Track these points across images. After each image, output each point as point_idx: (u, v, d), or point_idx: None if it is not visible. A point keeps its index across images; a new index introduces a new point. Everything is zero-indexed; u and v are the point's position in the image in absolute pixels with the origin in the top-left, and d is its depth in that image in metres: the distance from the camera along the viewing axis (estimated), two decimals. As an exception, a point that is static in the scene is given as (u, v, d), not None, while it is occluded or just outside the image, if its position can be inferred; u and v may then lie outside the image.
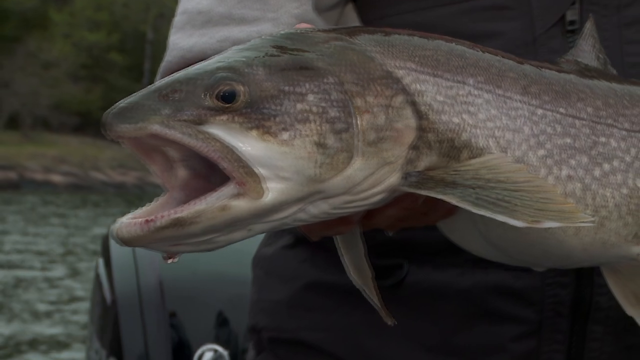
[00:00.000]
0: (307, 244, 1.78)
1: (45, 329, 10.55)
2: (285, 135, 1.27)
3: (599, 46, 1.52)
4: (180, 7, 1.71)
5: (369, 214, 1.40)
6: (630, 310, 1.49)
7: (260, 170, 1.26)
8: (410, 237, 1.68)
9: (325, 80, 1.31)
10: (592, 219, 1.32)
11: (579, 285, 1.68)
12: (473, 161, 1.35)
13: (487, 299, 1.69)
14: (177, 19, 1.69)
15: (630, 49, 1.66)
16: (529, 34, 1.65)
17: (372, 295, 1.48)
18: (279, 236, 1.87)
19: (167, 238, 1.26)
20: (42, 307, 11.79)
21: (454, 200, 1.30)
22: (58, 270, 14.74)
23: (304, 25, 1.44)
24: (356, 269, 1.48)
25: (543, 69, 1.45)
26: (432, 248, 1.68)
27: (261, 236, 1.91)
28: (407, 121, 1.34)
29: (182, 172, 1.31)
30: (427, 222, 1.44)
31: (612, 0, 1.65)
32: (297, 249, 1.83)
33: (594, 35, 1.52)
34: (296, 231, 1.80)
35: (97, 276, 3.82)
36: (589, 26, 1.53)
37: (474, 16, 1.66)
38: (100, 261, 3.83)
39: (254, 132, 1.27)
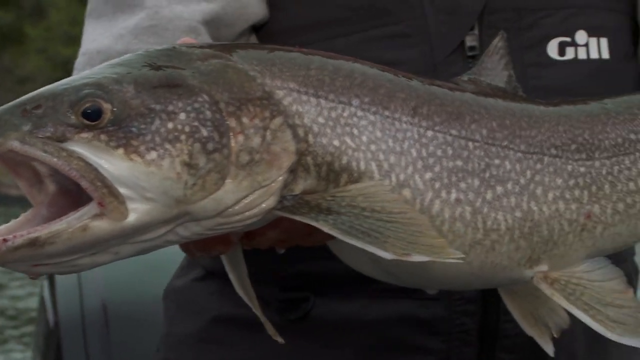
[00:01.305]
0: (217, 276, 1.76)
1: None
2: (152, 155, 1.24)
3: (506, 63, 1.48)
4: (82, 49, 1.69)
5: (249, 235, 1.37)
6: (529, 331, 1.47)
7: (123, 191, 1.23)
8: (316, 269, 1.67)
9: (198, 99, 1.27)
10: (462, 255, 1.30)
11: (485, 313, 1.66)
12: (351, 187, 1.32)
13: (394, 329, 1.67)
14: (78, 61, 1.67)
15: (532, 72, 1.64)
16: (429, 61, 1.63)
17: (256, 312, 1.46)
18: (190, 268, 1.85)
19: (24, 258, 1.22)
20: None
21: (325, 228, 1.27)
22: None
23: (186, 40, 1.40)
24: (241, 286, 1.45)
25: (437, 89, 1.41)
26: (339, 280, 1.66)
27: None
28: (285, 144, 1.31)
29: (51, 188, 1.27)
30: (313, 243, 1.41)
31: (512, 23, 1.62)
32: (207, 281, 1.80)
33: (502, 52, 1.48)
34: (207, 264, 1.78)
35: (42, 299, 3.77)
36: (496, 43, 1.49)
37: (377, 44, 1.63)
38: (45, 283, 3.77)
39: (120, 151, 1.23)
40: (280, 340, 1.46)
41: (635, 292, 1.79)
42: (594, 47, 1.66)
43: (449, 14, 1.62)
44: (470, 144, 1.39)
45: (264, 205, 1.30)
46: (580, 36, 1.66)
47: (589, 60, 1.65)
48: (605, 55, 1.66)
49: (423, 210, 1.35)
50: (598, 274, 1.43)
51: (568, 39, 1.65)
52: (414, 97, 1.38)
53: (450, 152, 1.38)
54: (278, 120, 1.31)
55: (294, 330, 1.66)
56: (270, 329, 1.46)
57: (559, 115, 1.43)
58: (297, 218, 1.30)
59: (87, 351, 3.30)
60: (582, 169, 1.42)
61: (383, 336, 1.67)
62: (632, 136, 1.43)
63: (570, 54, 1.65)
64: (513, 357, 1.67)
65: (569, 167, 1.41)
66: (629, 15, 1.71)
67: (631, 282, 1.76)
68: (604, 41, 1.66)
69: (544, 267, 1.42)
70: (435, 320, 1.66)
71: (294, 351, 1.65)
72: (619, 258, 1.73)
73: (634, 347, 1.73)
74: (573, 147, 1.42)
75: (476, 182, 1.38)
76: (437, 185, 1.36)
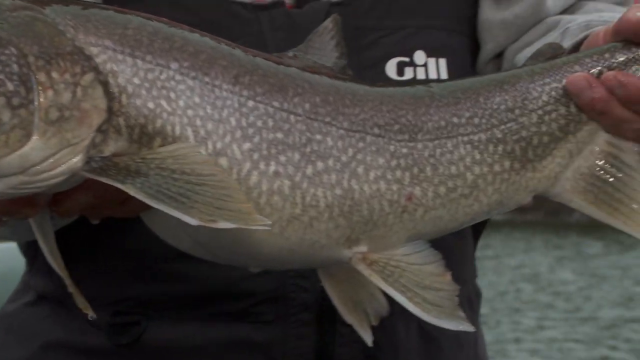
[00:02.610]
0: (48, 301, 1.71)
1: None
2: None
3: (337, 45, 1.46)
4: None
5: (58, 199, 1.33)
6: (348, 317, 1.44)
7: None
8: (149, 291, 1.63)
9: (5, 52, 1.23)
10: (268, 222, 1.27)
11: (320, 335, 1.63)
12: (162, 149, 1.28)
13: (229, 353, 1.63)
14: None
15: None
16: None
17: (66, 281, 1.40)
18: (23, 293, 1.79)
19: None
20: None
21: (131, 191, 1.24)
22: None
23: None
24: (51, 256, 1.40)
25: (260, 60, 1.39)
26: (172, 303, 1.63)
27: None
28: (96, 102, 1.27)
29: None
30: (127, 213, 1.37)
31: (352, 42, 1.61)
32: (39, 306, 1.74)
33: (333, 34, 1.46)
34: (39, 287, 1.73)
35: None
36: (326, 24, 1.47)
37: None
38: None
39: None
40: (91, 313, 1.40)
41: (477, 313, 1.79)
42: (432, 68, 1.67)
43: (287, 32, 1.62)
44: (292, 117, 1.36)
45: (70, 164, 1.26)
46: (419, 56, 1.67)
47: (427, 81, 1.66)
48: (444, 75, 1.67)
49: (240, 181, 1.32)
50: (417, 257, 1.41)
51: (407, 59, 1.66)
52: (236, 65, 1.36)
53: (271, 123, 1.35)
54: (89, 77, 1.27)
55: (125, 355, 1.62)
56: (81, 303, 1.41)
57: (382, 95, 1.42)
58: (104, 180, 1.26)
59: None
60: (405, 150, 1.40)
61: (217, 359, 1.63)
62: (455, 120, 1.42)
63: (409, 73, 1.66)
64: None
65: (392, 148, 1.40)
66: (468, 36, 1.73)
67: (472, 305, 1.76)
68: (442, 62, 1.68)
69: (363, 248, 1.39)
70: (270, 344, 1.62)
71: None
72: (458, 279, 1.73)
73: (460, 344, 1.73)
74: (396, 127, 1.41)
75: (296, 156, 1.35)
76: (256, 156, 1.33)
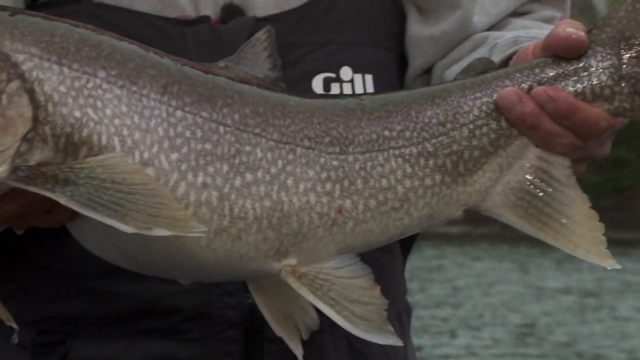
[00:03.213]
0: None
1: None
2: None
3: (269, 56, 1.46)
4: None
5: None
6: (279, 331, 1.43)
7: None
8: (73, 310, 1.61)
9: None
10: (204, 228, 1.26)
11: (247, 353, 1.61)
12: (90, 159, 1.27)
13: None
14: None
15: None
16: None
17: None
18: None
19: None
20: None
21: (62, 200, 1.22)
22: None
23: None
24: None
25: (189, 70, 1.38)
26: (97, 321, 1.61)
27: None
28: (21, 110, 1.25)
29: None
30: (53, 222, 1.34)
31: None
32: None
33: (266, 45, 1.46)
34: None
35: None
36: (259, 36, 1.47)
37: None
38: None
39: None
40: (15, 326, 1.38)
41: (407, 328, 1.78)
42: (359, 84, 1.67)
43: (212, 48, 1.61)
44: (221, 127, 1.35)
45: None
46: (345, 72, 1.66)
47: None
48: (370, 91, 1.67)
49: None
50: (346, 270, 1.40)
51: (333, 75, 1.66)
52: (164, 74, 1.34)
53: (199, 134, 1.34)
54: (15, 84, 1.26)
55: None
56: (3, 314, 1.38)
57: (314, 107, 1.42)
58: (33, 189, 1.24)
59: None
60: (335, 163, 1.40)
61: None
62: (387, 133, 1.42)
63: (335, 89, 1.66)
64: None
65: (322, 160, 1.39)
66: (396, 52, 1.73)
67: (401, 320, 1.75)
68: (369, 77, 1.68)
69: (292, 261, 1.38)
70: None
71: None
72: (387, 295, 1.73)
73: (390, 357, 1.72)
74: (327, 139, 1.40)
75: (225, 167, 1.34)
76: (184, 167, 1.32)
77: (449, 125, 1.43)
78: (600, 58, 1.42)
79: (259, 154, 1.36)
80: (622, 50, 1.41)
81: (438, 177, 1.43)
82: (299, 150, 1.38)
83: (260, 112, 1.38)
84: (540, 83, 1.42)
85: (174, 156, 1.32)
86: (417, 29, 1.72)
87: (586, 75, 1.42)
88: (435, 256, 20.25)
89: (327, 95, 1.48)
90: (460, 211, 1.46)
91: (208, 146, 1.34)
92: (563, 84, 1.42)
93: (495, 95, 1.43)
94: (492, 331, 12.53)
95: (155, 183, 1.26)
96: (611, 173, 47.70)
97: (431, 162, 1.43)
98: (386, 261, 1.70)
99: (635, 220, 47.07)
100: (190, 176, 1.32)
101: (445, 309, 14.08)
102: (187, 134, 1.33)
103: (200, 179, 1.32)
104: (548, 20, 1.73)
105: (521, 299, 15.10)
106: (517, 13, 1.73)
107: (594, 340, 12.19)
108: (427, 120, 1.43)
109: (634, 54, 1.41)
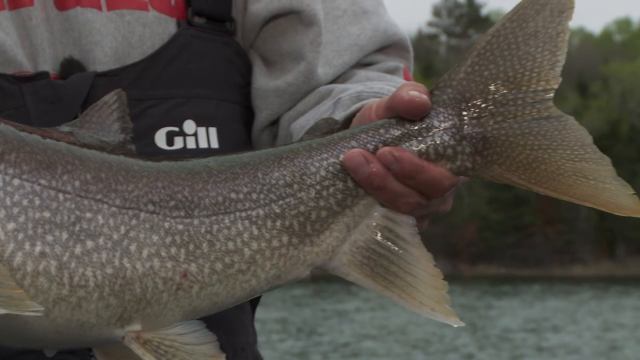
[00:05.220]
0: None
1: None
2: None
3: (118, 119, 1.44)
4: None
5: None
6: None
7: None
8: None
9: None
10: (41, 308, 1.24)
11: None
12: None
13: None
14: None
15: None
16: None
17: None
18: None
19: None
20: None
21: None
22: None
23: None
24: None
25: (28, 136, 1.34)
26: None
27: None
28: None
29: None
30: None
31: None
32: None
33: (114, 107, 1.44)
34: None
35: None
36: (107, 99, 1.45)
37: None
38: None
39: None
40: None
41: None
42: (202, 137, 1.66)
43: (51, 104, 1.59)
44: (60, 195, 1.33)
45: None
46: (189, 126, 1.66)
47: (197, 150, 1.65)
48: (215, 144, 1.67)
49: (4, 262, 1.28)
50: (192, 337, 1.39)
51: (176, 129, 1.65)
52: (1, 143, 1.32)
53: (37, 202, 1.32)
54: None
55: None
56: None
57: (158, 171, 1.40)
58: None
59: None
60: (180, 227, 1.38)
61: None
62: (233, 195, 1.41)
63: (179, 143, 1.65)
64: None
65: (166, 224, 1.38)
66: (241, 105, 1.73)
67: None
68: (213, 130, 1.67)
69: (136, 327, 1.36)
70: None
71: None
72: (236, 348, 1.72)
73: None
74: (172, 203, 1.39)
75: (65, 235, 1.32)
76: (21, 236, 1.29)
77: (296, 187, 1.43)
78: (442, 119, 1.43)
79: (101, 221, 1.35)
80: (463, 111, 1.43)
81: (285, 239, 1.43)
82: (142, 215, 1.37)
83: (103, 177, 1.37)
84: (385, 144, 1.43)
85: (11, 226, 1.29)
86: (263, 81, 1.73)
87: (429, 136, 1.43)
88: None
89: (173, 157, 1.47)
90: (308, 271, 1.46)
91: (47, 214, 1.31)
92: (407, 144, 1.43)
93: (341, 156, 1.43)
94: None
95: None
96: (512, 211, 48.40)
97: (278, 223, 1.42)
98: (235, 315, 1.69)
99: (536, 256, 47.79)
100: (27, 246, 1.29)
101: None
102: (25, 202, 1.30)
103: (38, 248, 1.30)
104: (392, 71, 1.74)
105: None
106: (361, 64, 1.74)
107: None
108: (274, 181, 1.43)
109: (474, 115, 1.43)
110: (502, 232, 48.74)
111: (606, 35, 64.57)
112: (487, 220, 48.52)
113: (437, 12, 64.15)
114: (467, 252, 48.35)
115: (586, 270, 47.21)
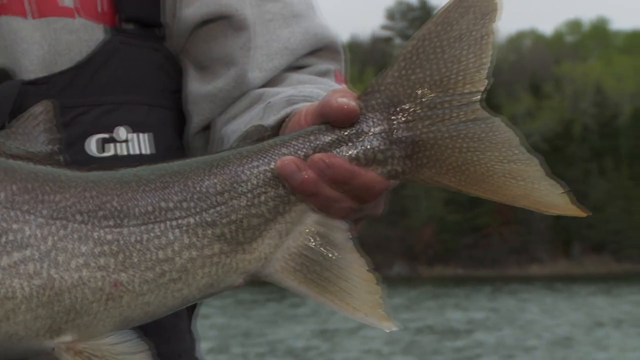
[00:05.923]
0: None
1: None
2: None
3: (46, 130, 1.43)
4: None
5: None
6: None
7: None
8: None
9: None
10: None
11: None
12: None
13: None
14: None
15: None
16: None
17: None
18: None
19: None
20: None
21: None
22: None
23: None
24: None
25: None
26: None
27: None
28: None
29: None
30: None
31: None
32: None
33: (42, 118, 1.43)
34: None
35: None
36: (33, 110, 1.44)
37: None
38: None
39: None
40: None
41: None
42: (135, 143, 1.65)
43: None
44: None
45: None
46: (121, 132, 1.65)
47: (130, 156, 1.64)
48: (148, 150, 1.66)
49: None
50: (124, 346, 1.38)
51: (107, 136, 1.64)
52: None
53: None
54: None
55: None
56: None
57: (87, 181, 1.39)
58: None
59: None
60: (110, 237, 1.38)
61: None
62: (163, 204, 1.41)
63: (110, 150, 1.63)
64: None
65: (95, 235, 1.37)
66: (173, 110, 1.72)
67: None
68: (145, 136, 1.66)
69: (67, 338, 1.35)
70: None
71: None
72: (172, 355, 1.71)
73: None
74: (101, 213, 1.38)
75: None
76: None
77: (227, 195, 1.43)
78: (371, 124, 1.43)
79: (28, 232, 1.33)
80: (392, 116, 1.43)
81: (217, 247, 1.42)
82: (71, 225, 1.36)
83: (30, 188, 1.35)
84: (316, 150, 1.42)
85: None
86: (195, 86, 1.72)
87: (360, 141, 1.43)
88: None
89: (103, 167, 1.46)
90: (242, 279, 1.45)
91: None
92: (338, 150, 1.43)
93: (273, 164, 1.43)
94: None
95: None
96: (469, 212, 48.67)
97: (210, 232, 1.42)
98: (171, 322, 1.68)
99: (492, 257, 48.05)
100: None
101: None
102: None
103: None
104: (324, 74, 1.73)
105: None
106: (293, 67, 1.73)
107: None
108: (205, 190, 1.42)
109: (403, 119, 1.43)
110: (459, 233, 49.00)
111: (558, 36, 65.10)
112: (444, 222, 48.76)
113: (390, 16, 64.49)
114: (425, 254, 48.57)
115: (543, 269, 47.57)
